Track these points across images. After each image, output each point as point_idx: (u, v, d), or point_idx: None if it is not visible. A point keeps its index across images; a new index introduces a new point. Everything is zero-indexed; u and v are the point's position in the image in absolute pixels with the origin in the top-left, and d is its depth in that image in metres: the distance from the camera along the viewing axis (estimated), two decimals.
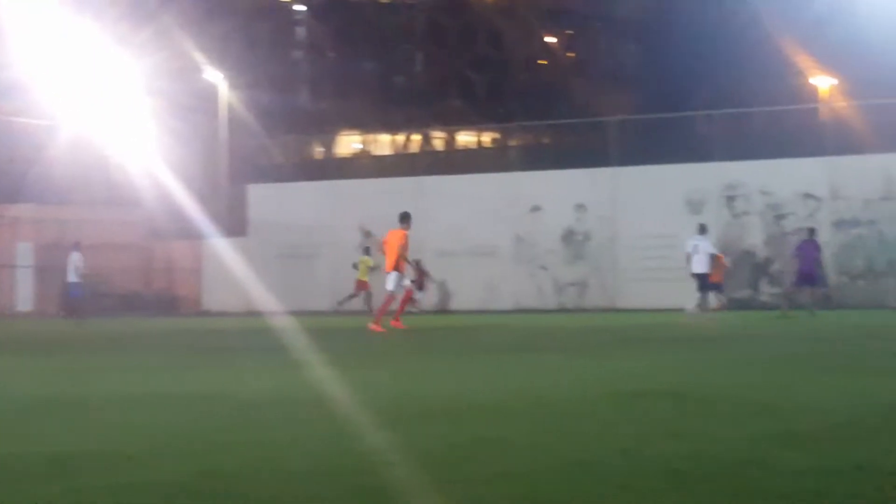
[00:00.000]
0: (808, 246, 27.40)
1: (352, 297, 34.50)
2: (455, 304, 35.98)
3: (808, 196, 32.21)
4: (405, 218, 23.44)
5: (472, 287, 35.66)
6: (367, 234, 33.66)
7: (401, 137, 65.32)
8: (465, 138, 67.93)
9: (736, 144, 33.68)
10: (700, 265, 25.70)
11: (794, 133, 34.62)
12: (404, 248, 23.15)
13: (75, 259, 32.69)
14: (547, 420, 8.64)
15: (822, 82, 45.89)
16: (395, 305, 24.04)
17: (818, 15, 43.69)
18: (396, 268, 23.13)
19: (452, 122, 61.32)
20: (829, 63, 44.98)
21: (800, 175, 32.38)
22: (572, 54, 74.54)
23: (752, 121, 38.20)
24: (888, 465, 6.52)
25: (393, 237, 23.26)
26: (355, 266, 34.47)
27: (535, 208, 35.69)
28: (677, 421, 8.47)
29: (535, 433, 7.94)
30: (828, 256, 31.54)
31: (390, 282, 23.31)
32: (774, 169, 32.79)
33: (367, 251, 33.94)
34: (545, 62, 73.48)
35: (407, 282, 24.09)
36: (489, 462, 6.83)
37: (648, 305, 31.96)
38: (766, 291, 32.53)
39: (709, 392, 10.34)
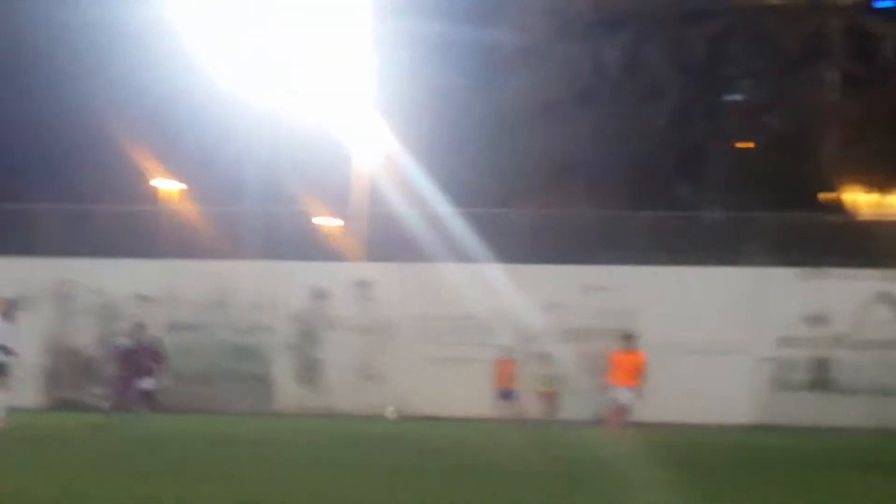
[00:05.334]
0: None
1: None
2: None
3: (142, 298, 31.91)
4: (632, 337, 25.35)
5: None
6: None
7: None
8: None
9: (73, 241, 32.80)
10: None
11: (134, 234, 34.33)
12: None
13: None
14: None
15: (166, 185, 46.31)
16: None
17: (169, 122, 44.10)
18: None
19: None
20: (174, 168, 45.54)
21: (136, 276, 32.09)
22: None
23: (91, 219, 37.45)
24: None
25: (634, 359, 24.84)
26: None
27: None
28: None
29: None
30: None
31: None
32: (111, 268, 32.26)
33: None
34: None
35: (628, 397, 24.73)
36: None
37: None
38: (95, 392, 31.73)
39: None
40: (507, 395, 29.41)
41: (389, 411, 26.63)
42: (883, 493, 13.34)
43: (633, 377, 25.27)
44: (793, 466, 17.07)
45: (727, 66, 49.76)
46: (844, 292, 29.89)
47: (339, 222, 45.07)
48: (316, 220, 42.84)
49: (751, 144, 48.58)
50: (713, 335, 29.00)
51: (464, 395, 30.44)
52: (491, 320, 30.94)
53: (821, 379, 30.42)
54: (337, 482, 12.21)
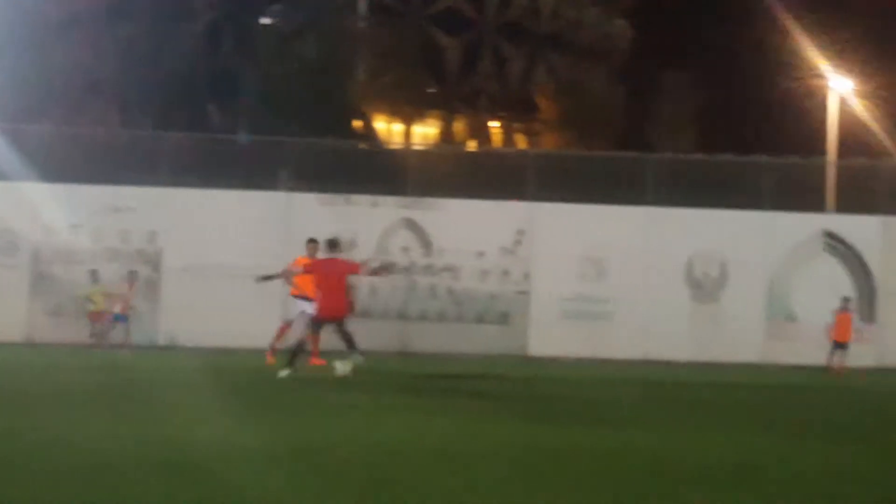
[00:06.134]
0: None
1: None
2: None
3: None
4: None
5: None
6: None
7: None
8: None
9: None
10: None
11: None
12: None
13: None
14: None
15: None
16: None
17: None
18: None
19: None
20: None
21: None
22: None
23: None
24: None
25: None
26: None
27: None
28: None
29: None
30: None
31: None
32: None
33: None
34: None
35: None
36: None
37: None
38: None
39: None
40: (120, 318, 27.96)
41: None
42: (409, 410, 13.71)
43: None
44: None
45: None
46: (370, 218, 30.43)
47: None
48: None
49: (283, 69, 48.66)
50: (241, 259, 28.70)
51: None
52: (8, 238, 29.39)
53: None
54: None
